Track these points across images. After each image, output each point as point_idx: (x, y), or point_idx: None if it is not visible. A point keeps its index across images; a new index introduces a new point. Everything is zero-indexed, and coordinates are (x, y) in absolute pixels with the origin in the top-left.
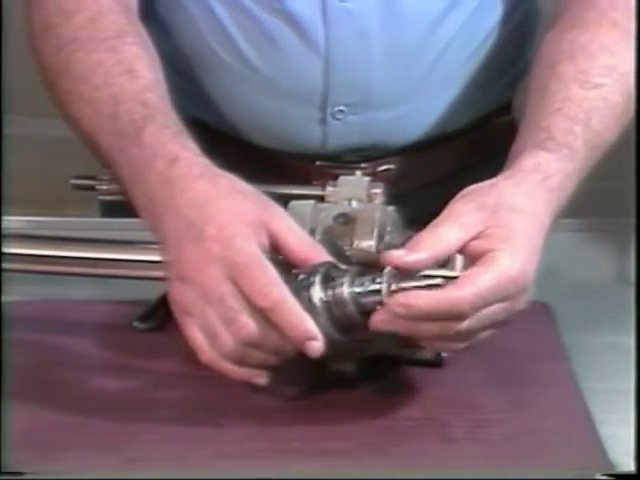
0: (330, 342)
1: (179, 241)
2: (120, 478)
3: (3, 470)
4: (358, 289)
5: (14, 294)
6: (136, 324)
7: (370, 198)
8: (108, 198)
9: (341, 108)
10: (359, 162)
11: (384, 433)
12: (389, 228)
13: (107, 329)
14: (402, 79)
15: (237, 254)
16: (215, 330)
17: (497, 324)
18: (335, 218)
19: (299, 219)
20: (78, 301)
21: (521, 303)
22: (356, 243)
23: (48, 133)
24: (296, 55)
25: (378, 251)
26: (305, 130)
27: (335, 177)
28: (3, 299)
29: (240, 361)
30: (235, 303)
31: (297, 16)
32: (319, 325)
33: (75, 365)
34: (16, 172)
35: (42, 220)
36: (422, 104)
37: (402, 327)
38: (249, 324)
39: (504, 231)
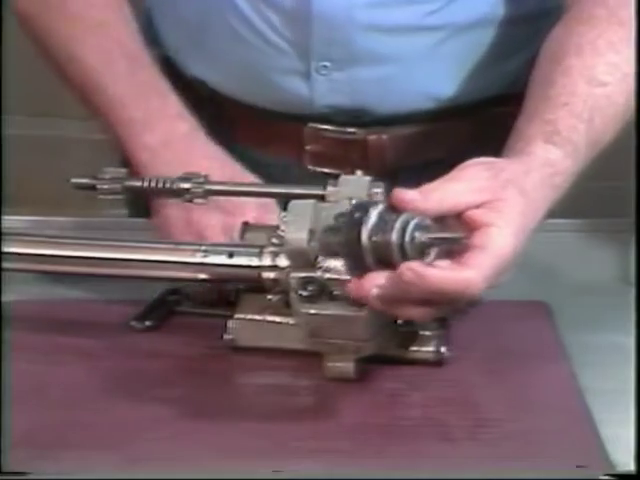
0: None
1: None
2: (120, 478)
3: (3, 470)
4: (407, 239)
5: (14, 294)
6: (133, 324)
7: (370, 198)
8: (109, 197)
9: (325, 64)
10: (350, 125)
11: (384, 433)
12: None
13: (107, 329)
14: (386, 37)
15: None
16: None
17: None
18: (335, 218)
19: (299, 219)
20: (77, 301)
21: (500, 279)
22: None
23: (48, 133)
24: (281, 7)
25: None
26: (291, 84)
27: (333, 178)
28: (3, 299)
29: None
30: None
31: None
32: (365, 262)
33: (74, 365)
34: (16, 172)
35: (42, 220)
36: (409, 67)
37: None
38: None
39: (506, 206)
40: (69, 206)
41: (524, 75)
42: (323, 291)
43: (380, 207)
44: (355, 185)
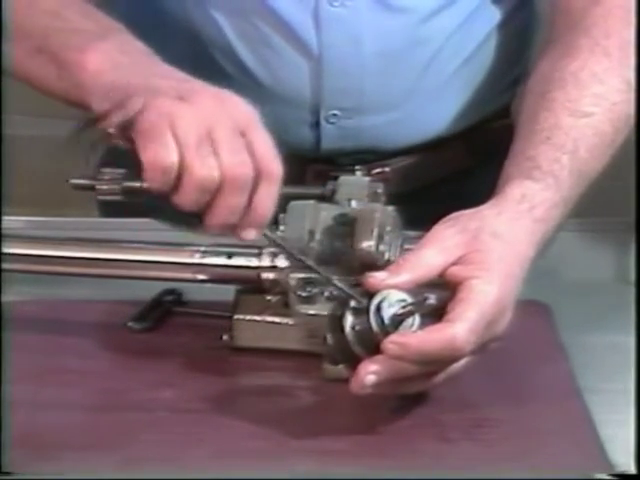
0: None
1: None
2: (119, 478)
3: (3, 470)
4: (385, 317)
5: (14, 294)
6: (131, 324)
7: (370, 198)
8: (108, 198)
9: (335, 112)
10: (354, 164)
11: (383, 433)
12: (389, 228)
13: (107, 329)
14: (395, 83)
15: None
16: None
17: (477, 353)
18: (335, 218)
19: (299, 219)
20: (77, 301)
21: (500, 328)
22: (356, 243)
23: (48, 133)
24: (290, 60)
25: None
26: (298, 133)
27: (333, 178)
28: (3, 299)
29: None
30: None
31: (289, 21)
32: (355, 354)
33: (74, 365)
34: (16, 172)
35: (42, 220)
36: (417, 108)
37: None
38: None
39: (482, 256)
40: (69, 206)
41: (517, 90)
42: (322, 292)
43: (357, 297)
44: (355, 185)
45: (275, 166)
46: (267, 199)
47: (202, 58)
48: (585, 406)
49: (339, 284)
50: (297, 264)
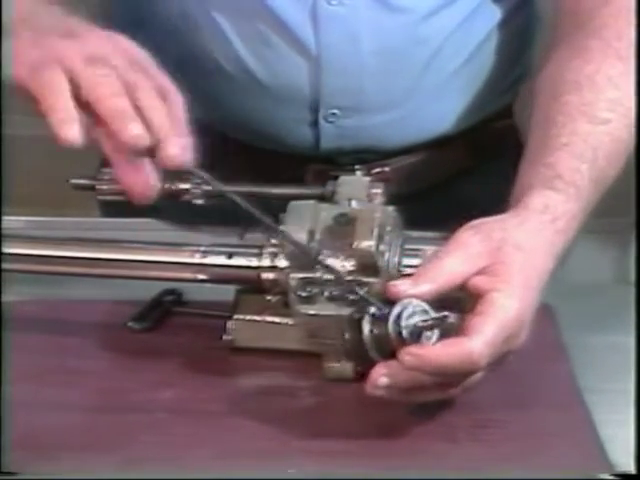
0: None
1: None
2: (119, 479)
3: (3, 470)
4: (403, 327)
5: (14, 294)
6: (131, 324)
7: (370, 198)
8: (108, 198)
9: (334, 111)
10: (353, 164)
11: (385, 433)
12: (389, 228)
13: (107, 329)
14: (395, 82)
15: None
16: None
17: (495, 366)
18: (335, 218)
19: (299, 219)
20: (78, 301)
21: (519, 341)
22: (356, 243)
23: (48, 133)
24: (289, 59)
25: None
26: (297, 132)
27: (333, 178)
28: (3, 299)
29: None
30: None
31: (287, 20)
32: (371, 358)
33: (74, 365)
34: (16, 172)
35: (42, 220)
36: (417, 108)
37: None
38: None
39: (505, 268)
40: (69, 206)
41: (519, 90)
42: (322, 292)
43: (377, 304)
44: (355, 185)
45: (172, 85)
46: (179, 107)
47: (202, 57)
48: (586, 406)
49: (360, 291)
50: (327, 271)
